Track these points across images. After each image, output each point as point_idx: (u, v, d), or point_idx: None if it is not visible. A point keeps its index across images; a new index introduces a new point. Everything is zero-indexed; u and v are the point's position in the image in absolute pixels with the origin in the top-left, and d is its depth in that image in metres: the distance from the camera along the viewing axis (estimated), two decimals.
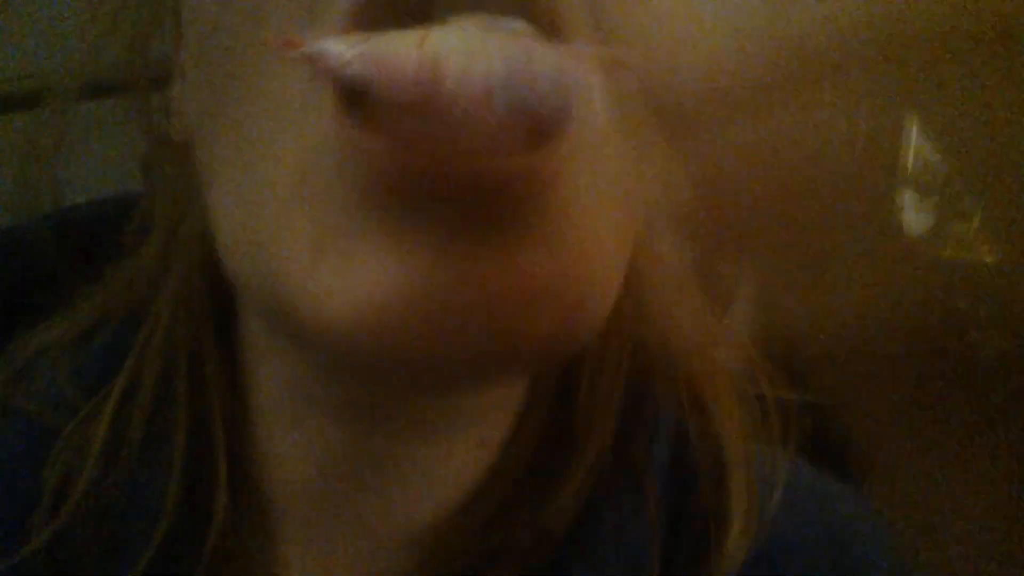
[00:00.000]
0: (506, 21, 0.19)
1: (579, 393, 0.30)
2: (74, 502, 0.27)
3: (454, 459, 0.29)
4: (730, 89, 0.19)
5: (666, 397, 0.30)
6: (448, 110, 0.17)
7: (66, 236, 0.33)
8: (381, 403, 0.26)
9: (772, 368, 0.32)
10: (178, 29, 0.29)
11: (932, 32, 0.13)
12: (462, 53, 0.17)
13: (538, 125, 0.19)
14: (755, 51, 0.17)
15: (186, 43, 0.25)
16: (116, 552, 0.27)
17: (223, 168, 0.23)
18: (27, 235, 0.32)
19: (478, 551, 0.28)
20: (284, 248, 0.21)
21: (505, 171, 0.19)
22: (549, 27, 0.19)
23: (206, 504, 0.28)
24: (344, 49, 0.18)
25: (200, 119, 0.25)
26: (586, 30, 0.20)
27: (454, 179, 0.19)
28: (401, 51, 0.17)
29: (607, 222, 0.23)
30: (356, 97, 0.19)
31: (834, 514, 0.31)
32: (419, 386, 0.23)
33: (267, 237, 0.21)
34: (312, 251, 0.20)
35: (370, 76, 0.17)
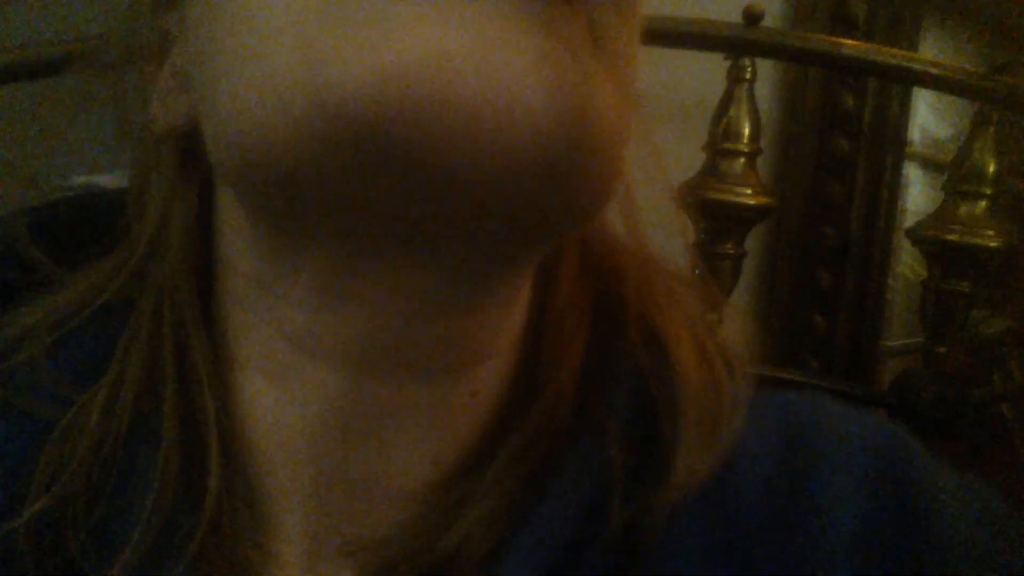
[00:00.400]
0: None
1: (545, 333, 0.30)
2: (64, 484, 0.26)
3: (450, 407, 0.28)
4: None
5: (629, 338, 0.30)
6: None
7: (58, 226, 0.32)
8: (385, 330, 0.26)
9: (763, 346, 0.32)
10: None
11: None
12: None
13: None
14: None
15: None
16: (106, 534, 0.26)
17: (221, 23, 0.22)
18: (16, 224, 0.32)
19: (469, 507, 0.27)
20: (304, 39, 0.20)
21: None
22: None
23: (199, 482, 0.27)
24: None
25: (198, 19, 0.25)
26: None
27: None
28: None
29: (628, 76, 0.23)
30: None
31: (792, 419, 0.30)
32: (450, 192, 0.21)
33: (283, 41, 0.20)
34: (339, 24, 0.19)
35: None
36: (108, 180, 0.35)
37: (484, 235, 0.23)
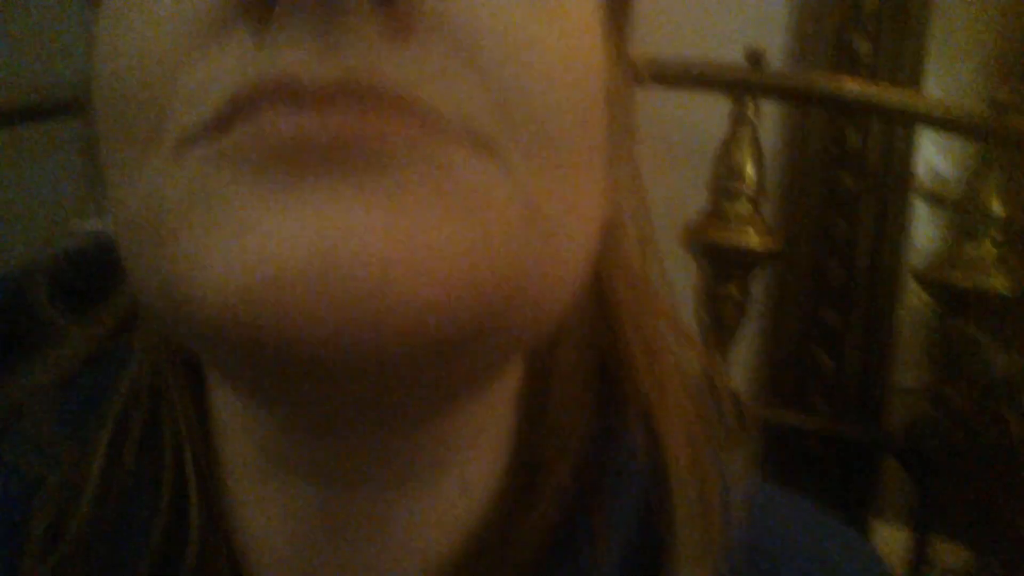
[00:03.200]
0: None
1: (544, 428, 0.29)
2: (65, 545, 0.26)
3: (437, 509, 0.27)
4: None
5: (631, 433, 0.29)
6: None
7: (76, 279, 0.32)
8: (347, 444, 0.25)
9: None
10: None
11: None
12: None
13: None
14: None
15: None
16: None
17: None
18: (35, 278, 0.31)
19: None
20: (165, 229, 0.19)
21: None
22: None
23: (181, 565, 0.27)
24: None
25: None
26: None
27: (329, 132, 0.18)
28: None
29: (542, 188, 0.21)
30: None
31: (823, 547, 0.29)
32: (338, 376, 0.20)
33: (151, 220, 0.20)
34: (191, 222, 0.19)
35: None
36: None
37: (402, 403, 0.23)
